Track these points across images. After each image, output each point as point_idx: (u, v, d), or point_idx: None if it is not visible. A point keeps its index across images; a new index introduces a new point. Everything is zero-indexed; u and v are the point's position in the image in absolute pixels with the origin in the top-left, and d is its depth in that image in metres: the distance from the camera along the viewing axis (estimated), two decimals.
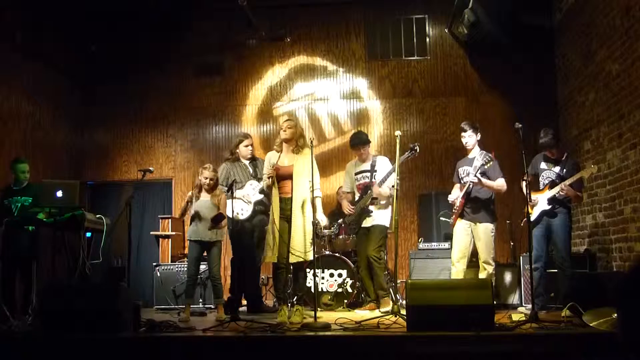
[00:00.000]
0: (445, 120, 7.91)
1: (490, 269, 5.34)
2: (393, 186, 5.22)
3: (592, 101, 6.52)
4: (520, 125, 4.84)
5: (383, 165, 5.73)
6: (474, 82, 7.94)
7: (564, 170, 5.37)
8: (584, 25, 6.66)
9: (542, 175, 5.49)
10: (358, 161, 5.88)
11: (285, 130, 4.97)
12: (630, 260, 5.55)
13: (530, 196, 5.12)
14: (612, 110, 5.95)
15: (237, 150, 5.95)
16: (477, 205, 5.38)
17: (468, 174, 5.34)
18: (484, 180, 5.25)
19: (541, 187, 5.45)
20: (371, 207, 5.63)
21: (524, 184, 5.66)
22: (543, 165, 5.50)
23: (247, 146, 5.92)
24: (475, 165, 5.31)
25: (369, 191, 5.64)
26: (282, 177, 4.92)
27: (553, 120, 7.50)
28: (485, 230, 5.35)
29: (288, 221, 4.86)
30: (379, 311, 5.29)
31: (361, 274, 5.78)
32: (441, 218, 6.65)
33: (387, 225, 5.70)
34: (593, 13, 6.40)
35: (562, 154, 5.52)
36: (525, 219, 5.77)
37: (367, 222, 5.66)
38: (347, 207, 5.75)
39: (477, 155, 5.38)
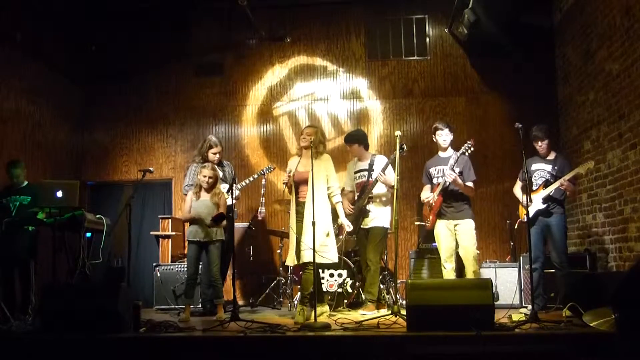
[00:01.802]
0: (445, 120, 7.87)
1: (477, 265, 5.38)
2: (393, 186, 5.22)
3: (592, 101, 6.52)
4: (520, 125, 4.85)
5: (380, 164, 5.73)
6: (474, 82, 7.93)
7: (556, 168, 5.44)
8: (584, 25, 6.66)
9: (535, 175, 5.52)
10: (357, 160, 5.90)
11: (305, 138, 5.21)
12: (630, 260, 5.55)
13: (530, 197, 5.13)
14: (612, 110, 5.95)
15: (206, 155, 6.00)
16: (456, 204, 5.40)
17: (444, 174, 5.34)
18: (458, 179, 5.27)
19: (534, 187, 5.46)
20: (369, 207, 5.62)
21: (517, 188, 5.68)
22: (534, 166, 5.53)
23: (215, 154, 6.03)
24: (451, 164, 5.32)
25: (366, 190, 5.63)
26: (299, 182, 5.18)
27: (553, 120, 7.50)
28: (468, 228, 5.38)
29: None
30: (360, 312, 5.41)
31: (363, 274, 5.78)
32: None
33: (387, 226, 5.69)
34: (593, 13, 6.40)
35: (550, 153, 5.57)
36: (518, 220, 5.81)
37: (365, 223, 5.65)
38: (347, 207, 5.70)
39: (452, 155, 5.42)
